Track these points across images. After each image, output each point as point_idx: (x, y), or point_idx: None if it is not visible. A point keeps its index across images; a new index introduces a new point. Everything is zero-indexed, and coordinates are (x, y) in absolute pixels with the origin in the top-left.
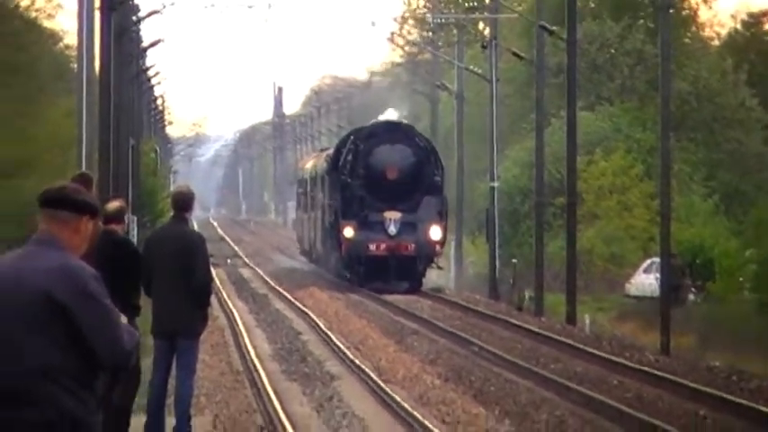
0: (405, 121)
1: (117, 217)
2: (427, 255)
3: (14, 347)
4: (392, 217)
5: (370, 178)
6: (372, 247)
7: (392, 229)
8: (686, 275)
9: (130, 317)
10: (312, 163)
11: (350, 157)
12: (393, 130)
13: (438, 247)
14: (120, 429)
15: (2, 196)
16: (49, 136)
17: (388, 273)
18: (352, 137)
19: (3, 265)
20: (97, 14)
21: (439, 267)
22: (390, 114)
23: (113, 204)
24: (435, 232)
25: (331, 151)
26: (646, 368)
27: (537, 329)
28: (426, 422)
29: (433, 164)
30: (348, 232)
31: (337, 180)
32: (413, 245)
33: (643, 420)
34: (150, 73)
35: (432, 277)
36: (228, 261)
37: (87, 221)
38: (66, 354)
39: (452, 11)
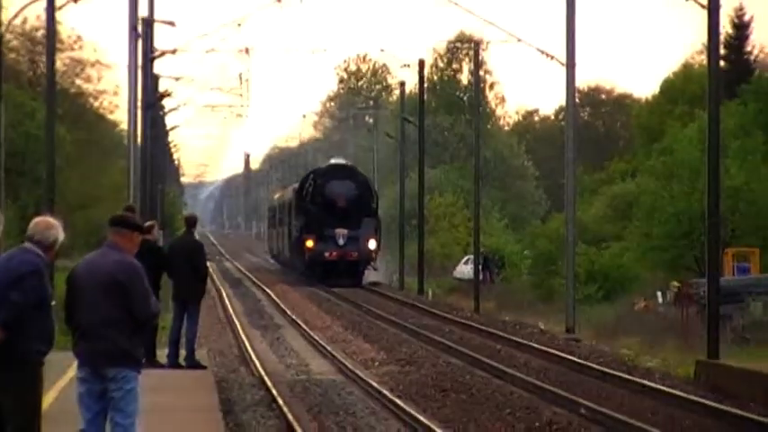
0: (349, 164)
1: (148, 231)
2: (366, 260)
3: (96, 306)
4: (341, 233)
5: (325, 204)
6: (327, 254)
7: (341, 242)
8: (500, 268)
9: (156, 293)
10: (279, 195)
11: (311, 189)
12: (341, 170)
13: (374, 254)
14: (150, 357)
15: (82, 219)
16: (110, 183)
17: (338, 273)
18: (311, 175)
19: (91, 259)
20: (140, 111)
21: (374, 269)
22: (337, 159)
23: (147, 224)
24: (372, 244)
25: (296, 185)
26: (464, 321)
27: (399, 297)
28: (334, 352)
29: (370, 195)
30: (309, 243)
31: (301, 206)
32: (356, 253)
33: (462, 351)
34: (171, 143)
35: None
36: (217, 257)
37: (137, 235)
38: (123, 311)
39: (350, 109)
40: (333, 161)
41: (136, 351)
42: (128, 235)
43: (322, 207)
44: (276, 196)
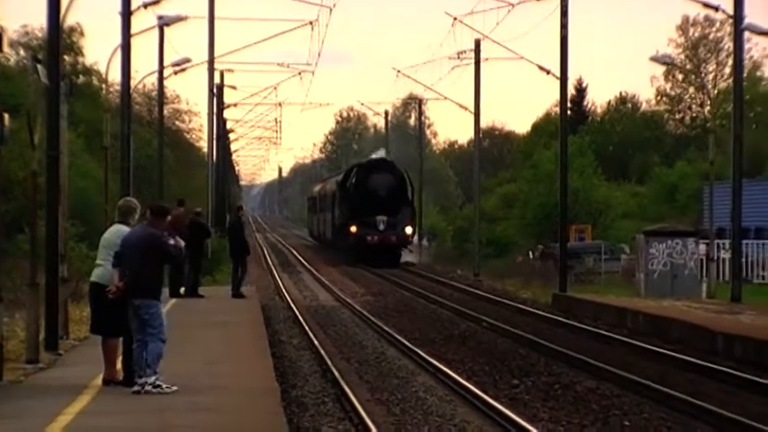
0: (388, 158)
1: (198, 214)
2: (403, 243)
3: (135, 261)
4: (381, 219)
5: (367, 194)
6: (369, 238)
7: (381, 227)
8: (434, 238)
9: (200, 251)
10: (319, 187)
11: (353, 181)
12: (381, 164)
13: (410, 239)
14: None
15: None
16: (196, 185)
17: (379, 255)
18: (354, 168)
19: (132, 230)
20: (215, 141)
21: (410, 251)
22: (381, 153)
23: (197, 209)
24: (408, 229)
25: (339, 178)
26: (413, 269)
27: None
28: (333, 288)
29: (407, 186)
30: (353, 228)
31: (345, 196)
32: (394, 237)
33: (411, 288)
34: (234, 160)
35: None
36: (262, 230)
37: (165, 219)
38: (146, 263)
39: (343, 140)
40: (374, 156)
41: (153, 287)
42: (158, 217)
43: (364, 197)
44: (316, 188)
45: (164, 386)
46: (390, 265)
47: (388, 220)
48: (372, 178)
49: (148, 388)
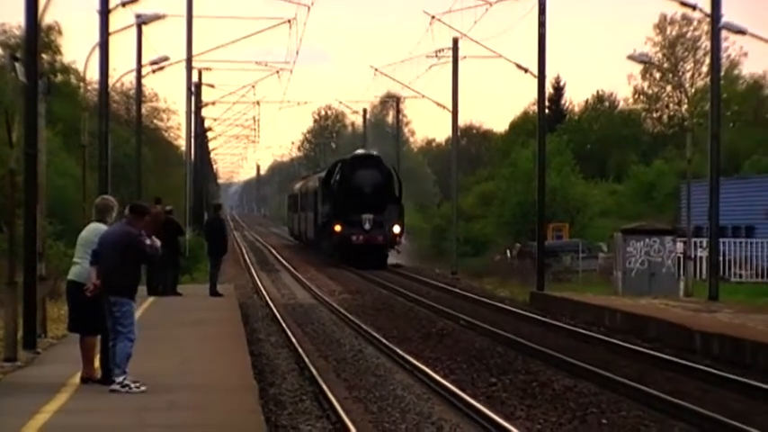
0: (375, 153)
1: (169, 212)
2: (391, 243)
3: (112, 259)
4: (367, 218)
5: (352, 192)
6: (354, 238)
7: (367, 226)
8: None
9: (177, 249)
10: (300, 184)
11: (338, 178)
12: (367, 159)
13: (398, 238)
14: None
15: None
16: (174, 183)
17: (364, 256)
18: (339, 164)
19: (110, 229)
20: (193, 139)
21: (398, 252)
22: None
23: (168, 208)
24: (396, 228)
25: (322, 175)
26: (391, 268)
27: None
28: (311, 286)
29: (394, 183)
30: (337, 228)
31: (329, 193)
32: (381, 237)
33: (389, 285)
34: (212, 158)
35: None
36: (240, 228)
37: (143, 217)
38: (122, 262)
39: (317, 144)
40: (358, 152)
41: (128, 286)
42: (137, 217)
43: (349, 194)
44: (297, 186)
45: (132, 386)
46: (376, 266)
47: (375, 219)
48: (358, 174)
49: (116, 387)
